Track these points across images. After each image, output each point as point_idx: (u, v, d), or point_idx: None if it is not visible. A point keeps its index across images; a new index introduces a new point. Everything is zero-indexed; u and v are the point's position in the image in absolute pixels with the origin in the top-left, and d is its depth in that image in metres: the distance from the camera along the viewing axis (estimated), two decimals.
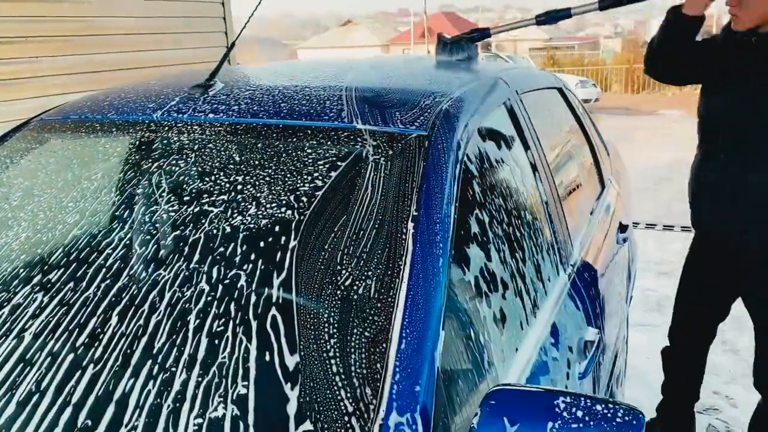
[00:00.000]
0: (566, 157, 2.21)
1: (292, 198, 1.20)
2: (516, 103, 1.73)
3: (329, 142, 1.31)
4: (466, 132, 1.37)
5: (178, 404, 0.91)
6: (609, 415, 0.93)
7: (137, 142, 1.43)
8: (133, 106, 1.55)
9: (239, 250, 1.12)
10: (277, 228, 1.15)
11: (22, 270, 1.20)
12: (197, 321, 1.02)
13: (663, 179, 7.49)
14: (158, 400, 0.92)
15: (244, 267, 1.09)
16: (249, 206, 1.20)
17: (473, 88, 1.56)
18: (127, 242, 1.21)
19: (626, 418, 0.93)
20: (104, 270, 1.14)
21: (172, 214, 1.23)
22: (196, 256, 1.13)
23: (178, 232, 1.19)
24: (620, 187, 2.68)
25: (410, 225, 1.13)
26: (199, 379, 0.94)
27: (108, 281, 1.12)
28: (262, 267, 1.09)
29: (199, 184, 1.27)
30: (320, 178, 1.23)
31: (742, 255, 2.12)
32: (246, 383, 0.93)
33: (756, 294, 2.14)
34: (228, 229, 1.17)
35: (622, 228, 2.44)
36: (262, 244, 1.13)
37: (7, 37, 3.89)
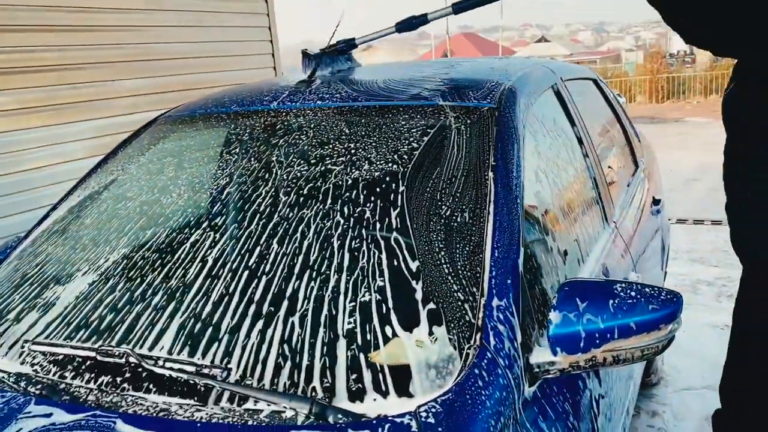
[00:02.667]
0: (604, 136, 2.53)
1: (396, 157, 1.54)
2: (561, 87, 2.06)
3: (418, 116, 1.65)
4: (524, 105, 1.71)
5: (335, 294, 1.25)
6: (655, 294, 1.23)
7: (264, 125, 1.79)
8: (251, 100, 1.92)
9: (362, 195, 1.46)
10: (387, 178, 1.49)
11: (194, 219, 1.55)
12: (338, 242, 1.36)
13: (691, 180, 7.74)
14: (320, 292, 1.26)
15: (368, 205, 1.43)
16: (363, 164, 1.55)
17: (527, 73, 1.89)
18: (273, 194, 1.55)
19: (668, 296, 1.23)
20: (260, 213, 1.49)
21: (305, 172, 1.58)
22: (329, 200, 1.47)
23: (311, 184, 1.53)
24: (651, 168, 2.98)
25: (490, 173, 1.46)
26: (348, 278, 1.28)
27: (264, 220, 1.46)
28: (381, 205, 1.43)
29: (321, 151, 1.62)
30: (415, 142, 1.57)
31: None
32: (383, 279, 1.26)
33: None
34: (350, 181, 1.51)
35: (655, 201, 2.74)
36: (378, 189, 1.46)
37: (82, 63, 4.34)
